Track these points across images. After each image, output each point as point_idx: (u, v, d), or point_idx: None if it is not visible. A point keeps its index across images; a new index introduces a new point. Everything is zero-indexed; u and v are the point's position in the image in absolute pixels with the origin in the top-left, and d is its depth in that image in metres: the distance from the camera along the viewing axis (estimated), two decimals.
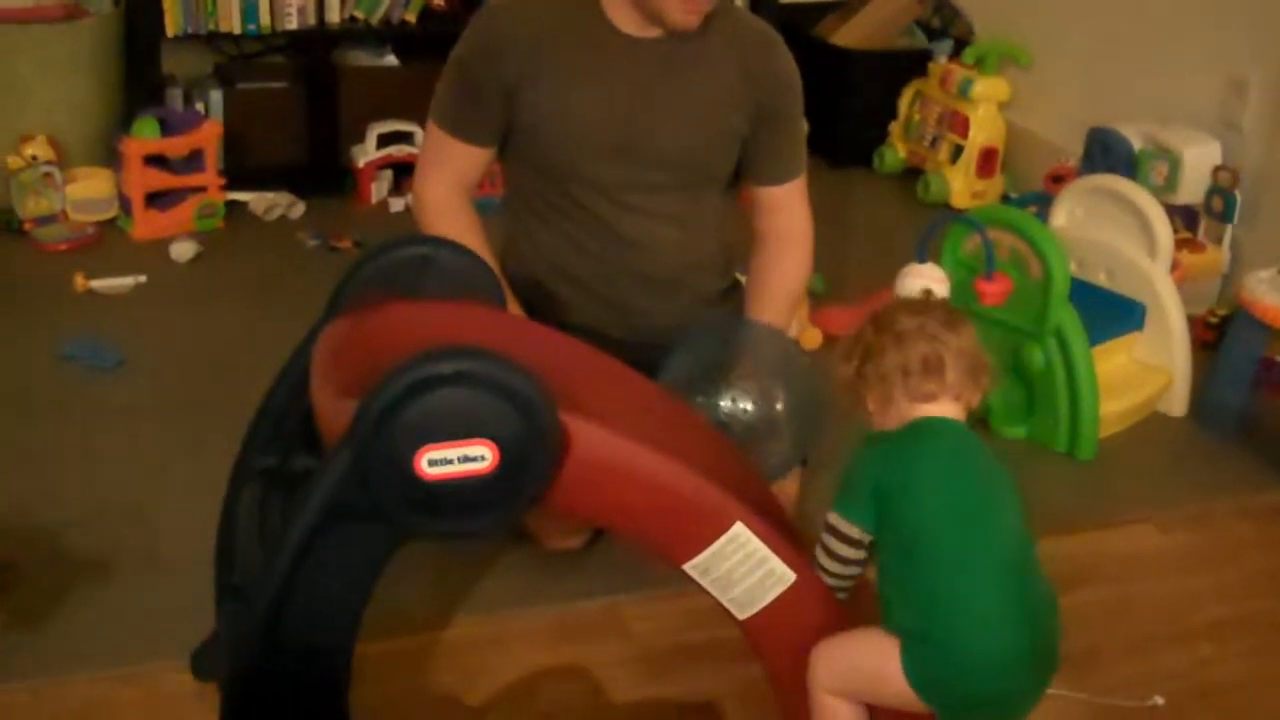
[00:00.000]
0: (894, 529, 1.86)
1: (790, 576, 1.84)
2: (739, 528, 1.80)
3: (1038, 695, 1.86)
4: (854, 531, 1.89)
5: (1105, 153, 3.77)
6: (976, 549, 1.82)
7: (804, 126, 2.74)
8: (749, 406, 2.34)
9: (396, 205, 4.18)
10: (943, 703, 1.80)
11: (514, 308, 2.51)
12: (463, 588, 2.47)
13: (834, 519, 1.91)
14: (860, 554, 1.91)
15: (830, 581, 1.92)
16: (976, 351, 1.93)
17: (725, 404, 2.35)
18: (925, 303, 2.03)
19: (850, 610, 1.93)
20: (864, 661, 1.85)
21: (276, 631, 1.75)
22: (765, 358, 2.44)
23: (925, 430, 1.91)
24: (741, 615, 1.87)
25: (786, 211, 2.70)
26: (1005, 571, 1.82)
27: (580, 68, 2.52)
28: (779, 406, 2.39)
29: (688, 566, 1.82)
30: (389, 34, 4.31)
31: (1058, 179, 3.97)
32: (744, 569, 1.82)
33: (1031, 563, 1.87)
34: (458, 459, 1.65)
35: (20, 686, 2.18)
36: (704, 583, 1.84)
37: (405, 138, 4.19)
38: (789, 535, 1.88)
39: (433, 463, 1.64)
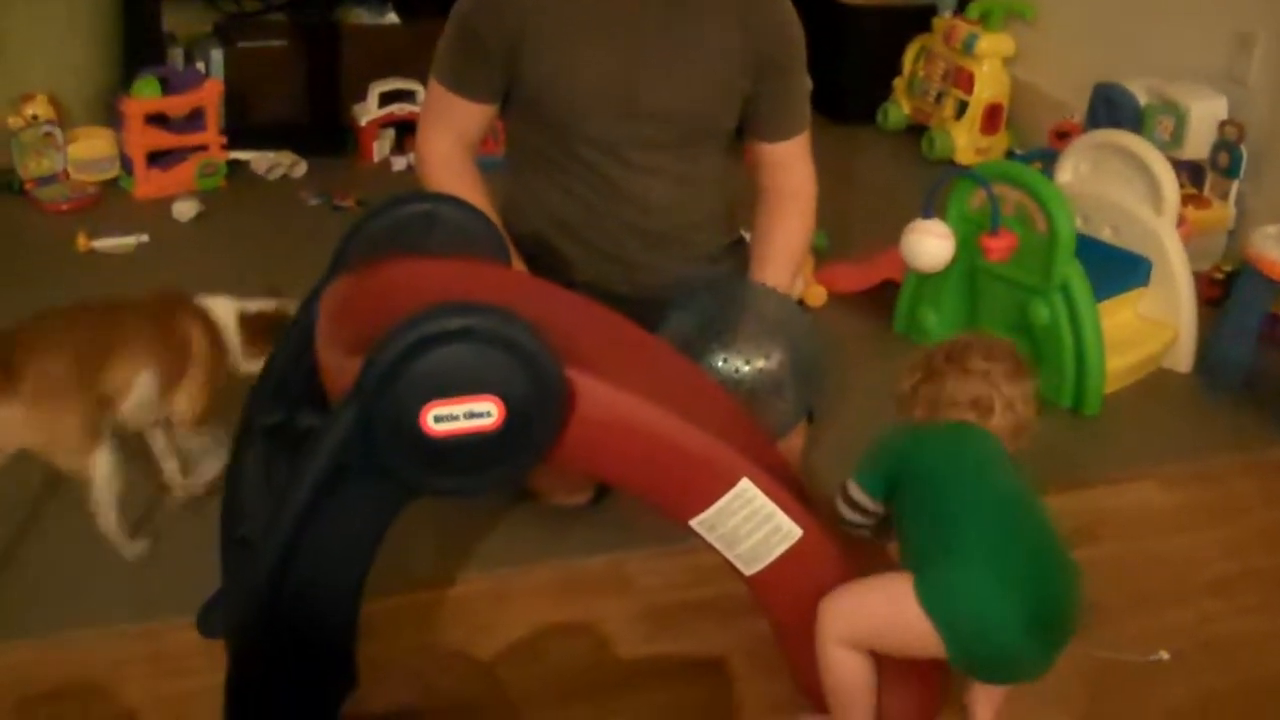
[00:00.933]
0: (909, 491, 1.99)
1: (796, 532, 1.84)
2: (745, 483, 1.80)
3: (1048, 659, 1.86)
4: (864, 499, 2.06)
5: (1111, 108, 3.75)
6: (991, 510, 1.91)
7: (807, 82, 2.72)
8: (748, 365, 2.32)
9: (399, 164, 4.17)
10: (957, 630, 1.81)
11: (518, 264, 2.50)
12: (468, 544, 2.47)
13: (849, 485, 2.09)
14: (862, 520, 2.09)
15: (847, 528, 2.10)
16: (1027, 411, 2.09)
17: (724, 363, 2.33)
18: (998, 347, 2.12)
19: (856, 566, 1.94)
20: (877, 602, 1.86)
21: (283, 586, 1.75)
22: (764, 316, 2.43)
23: (957, 428, 2.05)
24: (748, 571, 1.87)
25: (789, 168, 2.69)
26: (1020, 529, 1.89)
27: (582, 23, 2.50)
28: (778, 365, 2.36)
29: (694, 522, 1.83)
30: None
31: (1063, 135, 3.96)
32: (750, 525, 1.83)
33: (1049, 539, 1.90)
34: (463, 415, 1.65)
35: (25, 643, 2.18)
36: (710, 538, 1.84)
37: (407, 96, 4.18)
38: (795, 491, 1.88)
39: (438, 419, 1.64)
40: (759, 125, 2.66)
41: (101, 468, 2.23)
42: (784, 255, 2.65)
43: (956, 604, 1.81)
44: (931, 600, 1.80)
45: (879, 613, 1.85)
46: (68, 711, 2.08)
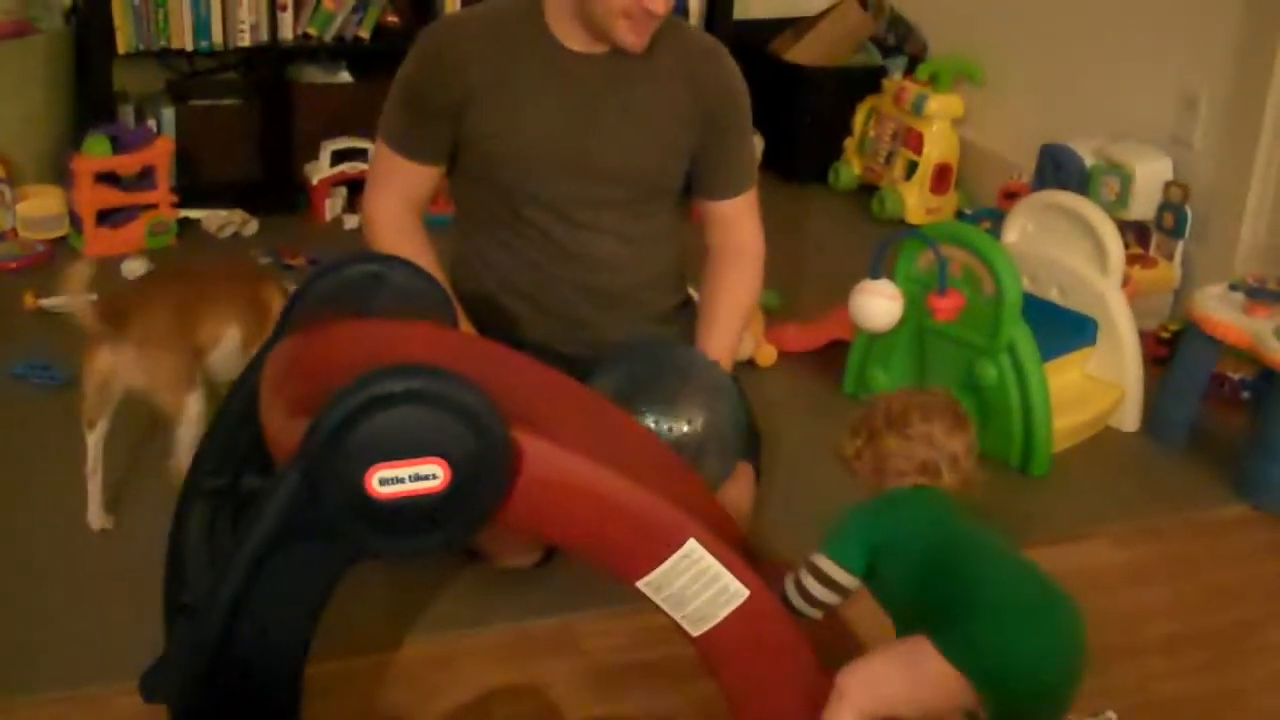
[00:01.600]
0: (901, 560, 1.97)
1: (744, 593, 1.84)
2: (692, 544, 1.80)
3: (1076, 687, 1.89)
4: (842, 576, 1.99)
5: (1057, 169, 3.79)
6: (992, 554, 1.98)
7: (753, 141, 2.74)
8: (668, 429, 2.35)
9: (351, 222, 4.17)
10: (995, 676, 1.82)
11: (465, 325, 2.50)
12: (414, 607, 2.45)
13: (823, 563, 2.00)
14: (835, 600, 2.01)
15: (807, 612, 2.02)
16: (970, 463, 2.11)
17: (653, 425, 2.36)
18: (935, 405, 2.12)
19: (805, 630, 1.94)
20: (897, 668, 1.87)
21: (227, 651, 1.74)
22: (687, 380, 2.45)
23: (917, 492, 2.07)
24: (695, 632, 1.86)
25: (737, 226, 2.70)
26: (1023, 569, 1.96)
27: (527, 85, 2.52)
28: (700, 429, 2.39)
29: (641, 583, 1.82)
30: (343, 50, 4.31)
31: (1011, 195, 3.99)
32: (697, 586, 1.82)
33: (1043, 576, 1.97)
34: (409, 477, 1.64)
35: None
36: (657, 600, 1.83)
37: (359, 154, 4.17)
38: (742, 551, 1.88)
39: (384, 481, 1.64)
40: (706, 182, 2.68)
41: (191, 409, 2.54)
42: (731, 314, 2.66)
43: (993, 653, 1.82)
44: (964, 655, 1.81)
45: (900, 677, 1.86)
46: None
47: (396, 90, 2.59)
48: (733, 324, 2.65)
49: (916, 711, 1.88)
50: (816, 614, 2.01)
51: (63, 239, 3.90)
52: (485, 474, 1.67)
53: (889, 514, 2.05)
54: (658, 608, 1.86)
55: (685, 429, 2.31)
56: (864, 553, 1.99)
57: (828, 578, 1.99)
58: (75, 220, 3.87)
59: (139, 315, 2.51)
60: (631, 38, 2.46)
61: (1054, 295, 3.26)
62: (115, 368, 2.50)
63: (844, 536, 2.02)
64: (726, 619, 1.85)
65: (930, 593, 1.92)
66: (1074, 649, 1.88)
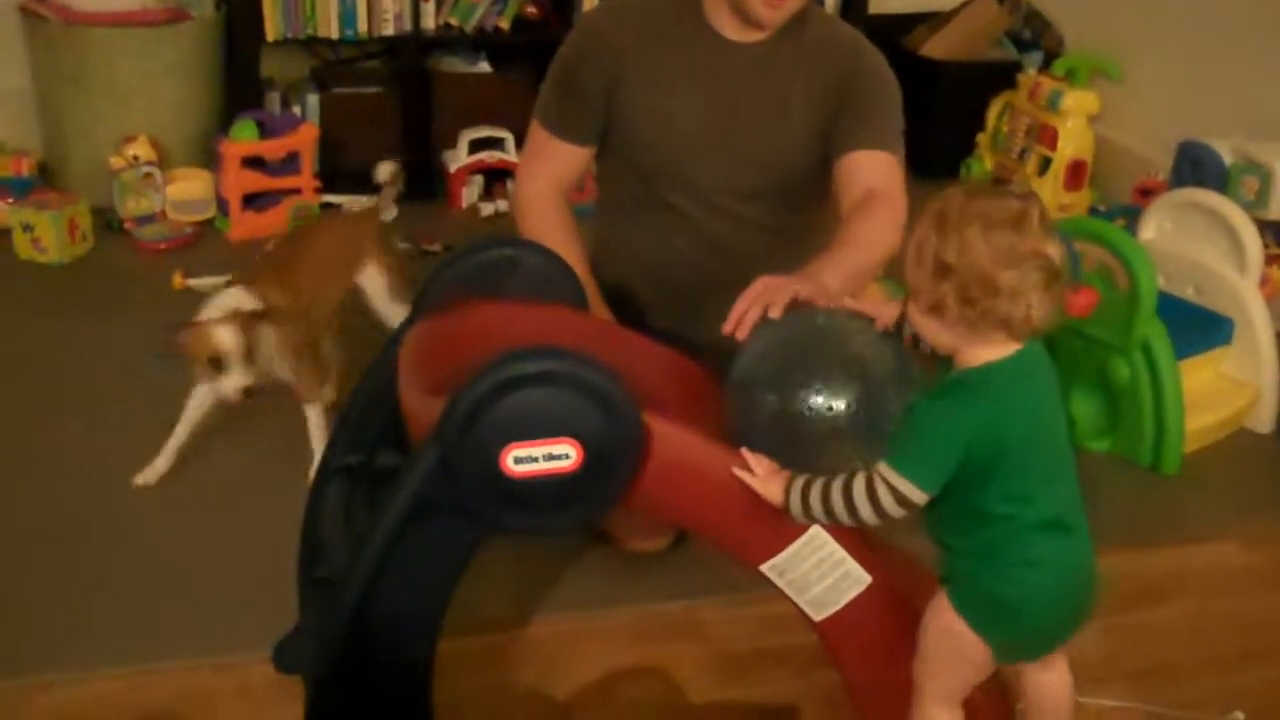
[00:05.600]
0: (971, 484, 1.74)
1: (866, 579, 1.86)
2: (816, 529, 1.82)
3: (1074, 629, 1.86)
4: (917, 496, 1.73)
5: (1195, 167, 3.74)
6: (1052, 502, 1.78)
7: (899, 119, 2.58)
8: (834, 404, 1.95)
9: (486, 210, 4.22)
10: (1001, 628, 1.80)
11: (601, 309, 2.54)
12: (542, 587, 2.50)
13: (899, 482, 1.73)
14: (903, 514, 1.76)
15: (824, 521, 1.80)
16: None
17: (810, 397, 1.96)
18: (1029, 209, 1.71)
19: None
20: (933, 634, 1.84)
21: (363, 624, 1.79)
22: (862, 353, 2.08)
23: (1007, 380, 1.74)
24: (817, 617, 1.89)
25: (876, 176, 2.48)
26: (1068, 519, 1.80)
27: (679, 70, 2.54)
28: (862, 409, 1.98)
29: (765, 567, 1.85)
30: (482, 41, 4.37)
31: (1146, 192, 3.94)
32: (820, 571, 1.84)
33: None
34: (543, 457, 1.69)
35: (114, 672, 2.24)
36: (781, 584, 1.86)
37: (496, 144, 4.24)
38: (865, 537, 1.89)
39: (518, 460, 1.68)
40: (841, 137, 2.52)
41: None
42: (848, 244, 2.34)
43: (1015, 631, 1.81)
44: (967, 608, 1.80)
45: (939, 641, 1.83)
46: None
47: (554, 70, 2.64)
48: (849, 254, 2.31)
49: (966, 668, 1.86)
50: (877, 523, 1.78)
51: (209, 221, 4.00)
52: (616, 455, 1.71)
53: (985, 410, 1.72)
54: (782, 594, 1.88)
55: (841, 407, 1.90)
56: (949, 472, 1.73)
57: (905, 499, 1.74)
58: (222, 204, 3.97)
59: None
60: (765, 10, 2.46)
61: (1189, 294, 3.22)
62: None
63: (928, 455, 1.73)
64: (849, 604, 1.88)
65: (980, 526, 1.77)
66: (1086, 614, 1.84)
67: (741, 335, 1.96)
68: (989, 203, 1.70)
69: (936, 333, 1.75)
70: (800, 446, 1.86)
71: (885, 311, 1.92)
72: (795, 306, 1.99)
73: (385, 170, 3.49)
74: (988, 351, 1.74)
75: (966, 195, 1.71)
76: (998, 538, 1.76)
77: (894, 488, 1.73)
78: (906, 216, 2.42)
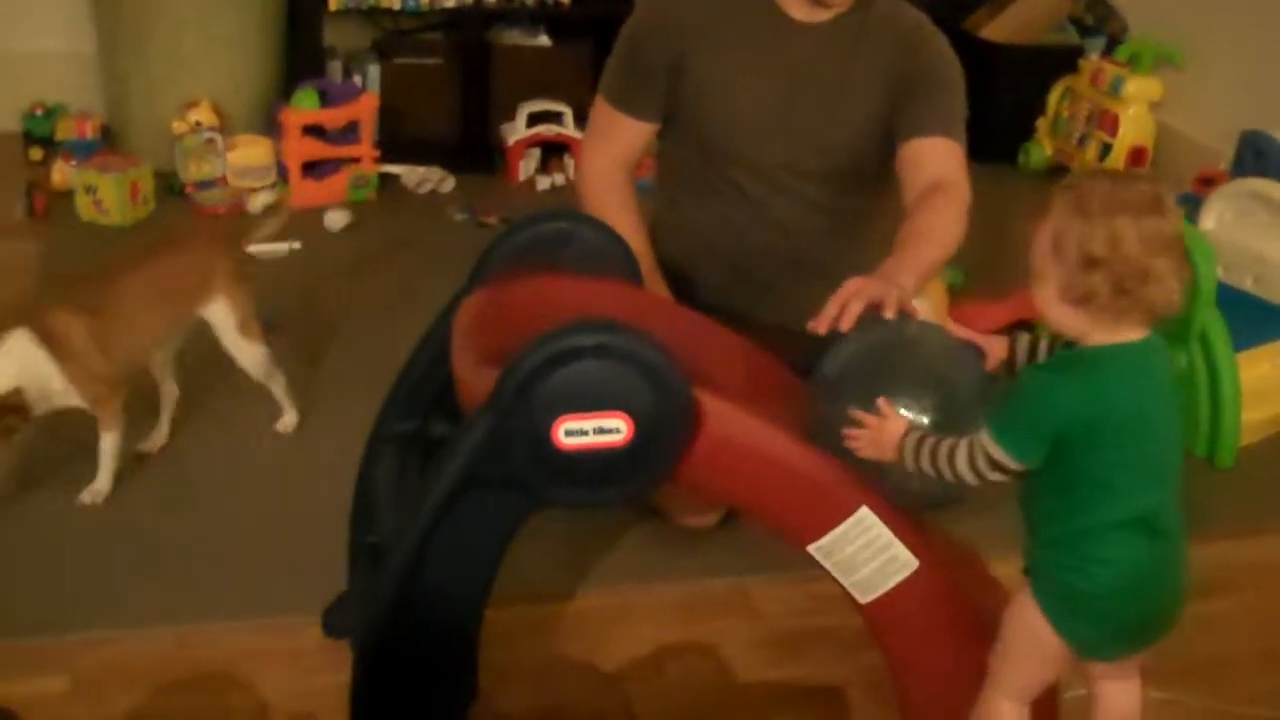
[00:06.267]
0: (1065, 463, 1.72)
1: (913, 563, 1.85)
2: (864, 511, 1.82)
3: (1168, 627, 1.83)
4: (1010, 463, 1.72)
5: (1258, 157, 3.71)
6: (1142, 501, 1.75)
7: (962, 104, 2.57)
8: (918, 418, 1.90)
9: (543, 183, 4.24)
10: (1075, 622, 1.78)
11: (658, 285, 2.55)
12: (591, 560, 2.51)
13: (993, 448, 1.72)
14: (1000, 479, 1.75)
15: (930, 472, 1.78)
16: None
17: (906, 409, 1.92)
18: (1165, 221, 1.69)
19: None
20: (1014, 628, 1.82)
21: (411, 591, 1.81)
22: (951, 371, 2.01)
23: (1124, 367, 1.72)
24: (863, 599, 1.88)
25: (940, 164, 2.47)
26: (1161, 522, 1.78)
27: (745, 48, 2.54)
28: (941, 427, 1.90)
29: (812, 548, 1.85)
30: (543, 14, 4.38)
31: (1207, 181, 3.91)
32: (867, 553, 1.84)
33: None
34: (593, 430, 1.69)
35: (168, 630, 2.27)
36: (827, 565, 1.86)
37: (555, 117, 4.25)
38: (913, 521, 1.89)
39: (569, 433, 1.69)
40: (905, 123, 2.51)
41: None
42: (917, 239, 2.32)
43: (1100, 635, 1.79)
44: (1049, 601, 1.78)
45: (1019, 637, 1.82)
46: (204, 699, 2.16)
47: (618, 46, 2.65)
48: (922, 251, 2.28)
49: (1041, 662, 1.84)
50: (976, 483, 1.76)
51: (270, 187, 4.01)
52: (666, 431, 1.72)
53: (1092, 391, 1.70)
54: (829, 574, 1.88)
55: (924, 422, 1.86)
56: (1048, 443, 1.71)
57: (999, 464, 1.73)
58: (282, 170, 3.99)
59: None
60: None
61: (1249, 285, 3.20)
62: None
63: (1024, 423, 1.72)
64: (895, 588, 1.87)
65: (1062, 500, 1.74)
66: (1168, 624, 1.82)
67: (846, 326, 1.94)
68: (1128, 188, 1.69)
69: (1076, 320, 1.71)
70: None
71: (996, 348, 1.92)
72: (874, 308, 1.97)
73: (260, 200, 3.19)
74: (1117, 335, 1.71)
75: (1103, 182, 1.70)
76: (1080, 528, 1.75)
77: (988, 452, 1.72)
78: (970, 199, 2.44)
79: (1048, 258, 1.70)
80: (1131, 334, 1.71)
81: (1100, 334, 1.72)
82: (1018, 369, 1.89)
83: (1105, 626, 1.80)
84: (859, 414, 1.82)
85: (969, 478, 1.75)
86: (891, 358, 1.93)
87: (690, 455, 1.75)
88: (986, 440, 1.73)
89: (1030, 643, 1.81)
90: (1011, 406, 1.73)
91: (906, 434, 1.80)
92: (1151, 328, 1.72)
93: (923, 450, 1.78)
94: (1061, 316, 1.73)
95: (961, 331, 1.97)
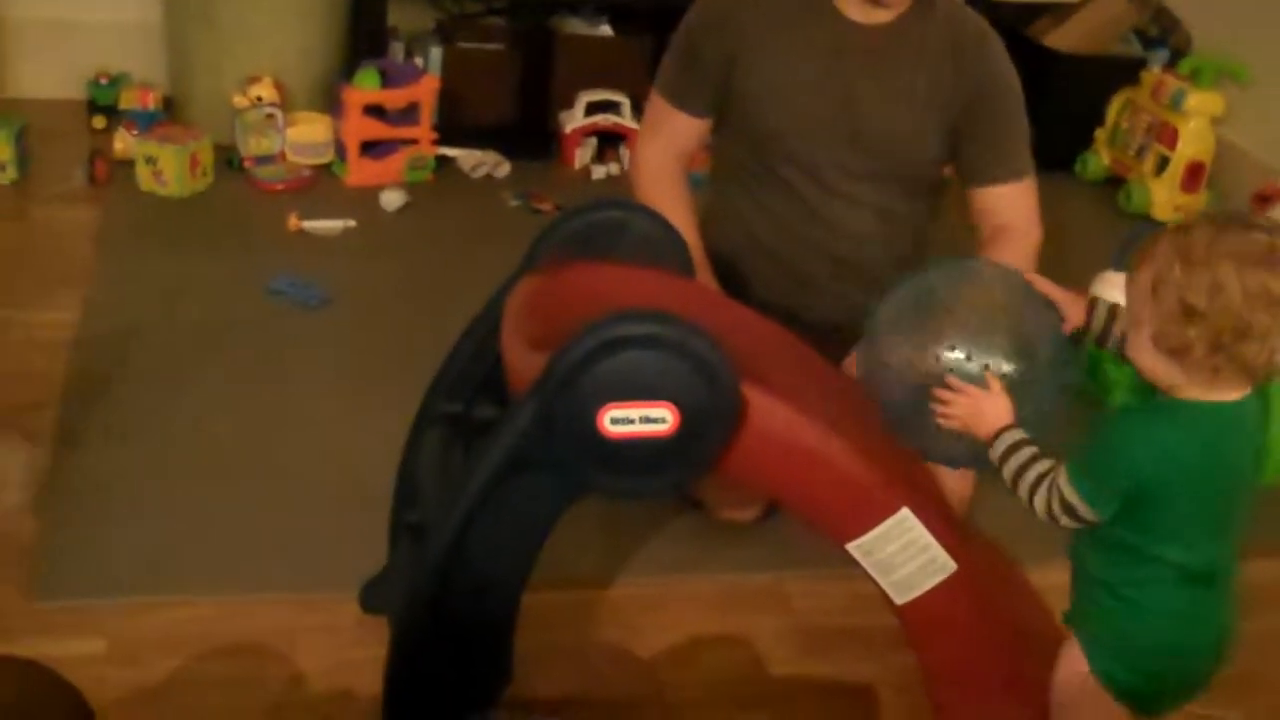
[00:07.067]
0: (1134, 514, 1.68)
1: (951, 566, 1.86)
2: (905, 512, 1.83)
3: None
4: (1084, 511, 1.69)
5: None
6: (1208, 553, 1.71)
7: (1025, 127, 2.63)
8: (973, 361, 1.85)
9: (599, 172, 4.25)
10: (1122, 673, 1.76)
11: (709, 278, 2.56)
12: (630, 548, 2.53)
13: (1071, 494, 1.68)
14: (1070, 525, 1.72)
15: (1006, 477, 1.75)
16: None
17: (946, 352, 1.86)
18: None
19: None
20: (1067, 688, 1.81)
21: (451, 571, 1.82)
22: (1027, 313, 1.93)
23: (1220, 427, 1.66)
24: (899, 600, 1.89)
25: (1009, 211, 2.59)
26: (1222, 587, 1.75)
27: (801, 47, 2.55)
28: (1007, 369, 1.85)
29: (851, 546, 1.86)
30: (606, 4, 4.38)
31: (1264, 199, 3.89)
32: (906, 554, 1.85)
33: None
34: (639, 419, 1.70)
35: (210, 601, 2.30)
36: (865, 564, 1.87)
37: (613, 107, 4.26)
38: (953, 524, 1.89)
39: (615, 421, 1.70)
40: (972, 168, 2.61)
41: None
42: None
43: (1150, 691, 1.78)
44: (1101, 662, 1.77)
45: (1076, 700, 1.81)
46: (241, 668, 2.19)
47: (676, 41, 2.66)
48: None
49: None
50: (1044, 519, 1.72)
51: (327, 166, 4.05)
52: (712, 422, 1.73)
53: (1175, 451, 1.64)
54: (866, 575, 1.89)
55: (1005, 368, 1.83)
56: (1121, 495, 1.66)
57: (1072, 510, 1.69)
58: (340, 149, 4.01)
59: None
60: None
61: None
62: None
63: (1103, 472, 1.67)
64: (932, 590, 1.88)
65: (1125, 555, 1.72)
66: (1217, 671, 1.79)
67: None
68: (1239, 236, 1.58)
69: (1168, 371, 1.64)
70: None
71: (1074, 311, 1.87)
72: None
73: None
74: (1213, 393, 1.64)
75: (1213, 227, 1.59)
76: (1144, 579, 1.72)
77: (1063, 494, 1.69)
78: (1041, 237, 2.58)
79: (1146, 301, 1.62)
80: (1229, 393, 1.64)
81: (1195, 390, 1.64)
82: (1091, 335, 1.85)
83: (1161, 683, 1.78)
84: (955, 381, 1.80)
85: (1039, 513, 1.72)
86: (966, 292, 1.91)
87: (735, 448, 1.76)
88: (1063, 480, 1.69)
89: (1090, 699, 1.78)
90: (1092, 451, 1.68)
91: (1008, 428, 1.76)
92: (1252, 388, 1.64)
93: (1012, 456, 1.74)
94: (1154, 365, 1.65)
95: (1042, 284, 1.92)
